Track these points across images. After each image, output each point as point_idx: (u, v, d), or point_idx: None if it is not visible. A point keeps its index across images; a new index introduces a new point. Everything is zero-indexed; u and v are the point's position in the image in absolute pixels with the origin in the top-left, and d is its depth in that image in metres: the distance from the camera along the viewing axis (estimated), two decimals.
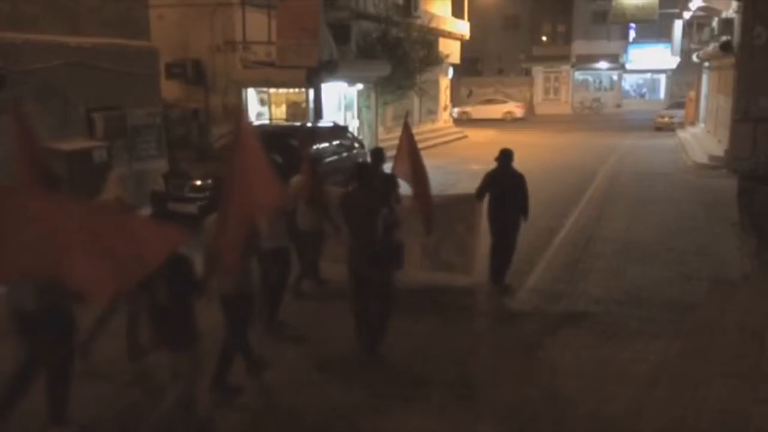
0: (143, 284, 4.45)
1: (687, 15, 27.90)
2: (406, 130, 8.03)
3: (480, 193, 8.27)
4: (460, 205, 8.41)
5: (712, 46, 22.73)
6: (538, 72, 48.14)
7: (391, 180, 7.85)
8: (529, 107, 47.50)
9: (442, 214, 7.89)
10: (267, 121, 16.94)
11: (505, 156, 8.25)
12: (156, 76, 14.34)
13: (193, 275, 4.82)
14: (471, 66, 45.76)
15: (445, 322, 7.49)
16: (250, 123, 5.74)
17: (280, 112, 17.86)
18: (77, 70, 12.14)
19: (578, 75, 48.57)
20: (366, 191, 6.42)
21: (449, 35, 29.89)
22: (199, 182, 11.01)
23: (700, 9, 23.94)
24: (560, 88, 48.61)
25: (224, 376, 5.75)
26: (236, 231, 5.00)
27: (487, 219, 8.32)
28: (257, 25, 16.42)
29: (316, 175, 7.85)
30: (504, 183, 8.21)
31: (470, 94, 47.60)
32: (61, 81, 11.95)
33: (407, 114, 9.09)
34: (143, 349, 6.04)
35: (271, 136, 13.14)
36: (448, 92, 32.20)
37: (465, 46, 33.23)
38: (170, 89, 16.13)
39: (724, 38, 19.97)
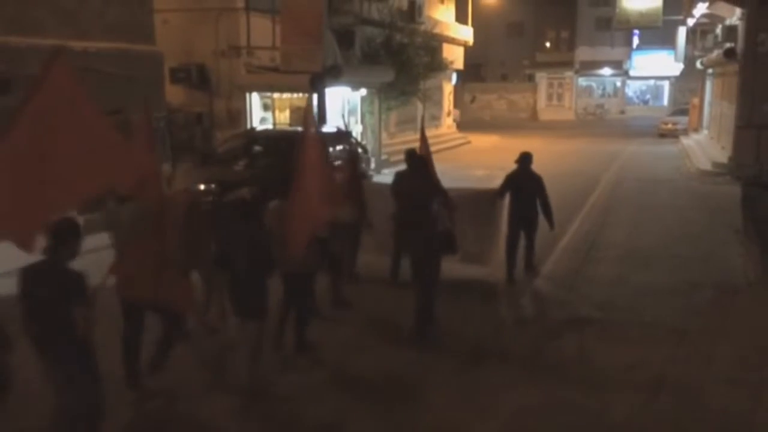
0: (226, 258, 5.30)
1: (691, 22, 27.96)
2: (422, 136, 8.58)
3: (501, 192, 8.77)
4: (481, 201, 8.78)
5: (716, 53, 22.73)
6: (542, 78, 48.20)
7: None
8: (533, 113, 47.53)
9: (464, 208, 8.13)
10: (271, 126, 16.95)
11: (525, 159, 8.93)
12: (160, 80, 14.38)
13: (270, 253, 5.44)
14: (475, 72, 45.83)
15: (446, 328, 7.47)
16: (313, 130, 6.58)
17: (284, 117, 17.87)
18: (82, 74, 12.13)
19: (582, 81, 48.60)
20: (420, 176, 7.16)
21: (453, 41, 29.92)
22: (202, 187, 11.02)
23: (704, 16, 23.97)
24: (564, 94, 48.65)
25: (304, 337, 6.55)
26: (303, 225, 5.61)
27: (508, 216, 8.85)
28: (261, 30, 16.46)
29: (356, 170, 8.37)
30: (523, 183, 8.79)
31: (474, 99, 47.65)
32: None
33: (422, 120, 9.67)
34: (155, 364, 5.80)
35: (275, 140, 13.20)
36: (451, 98, 32.21)
37: (469, 52, 33.27)
38: (174, 94, 16.18)
39: (727, 45, 19.98)
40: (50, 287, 4.29)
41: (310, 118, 6.82)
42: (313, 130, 6.52)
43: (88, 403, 4.53)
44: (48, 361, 4.42)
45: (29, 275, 4.33)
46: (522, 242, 9.11)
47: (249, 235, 5.49)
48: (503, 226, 8.83)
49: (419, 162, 7.71)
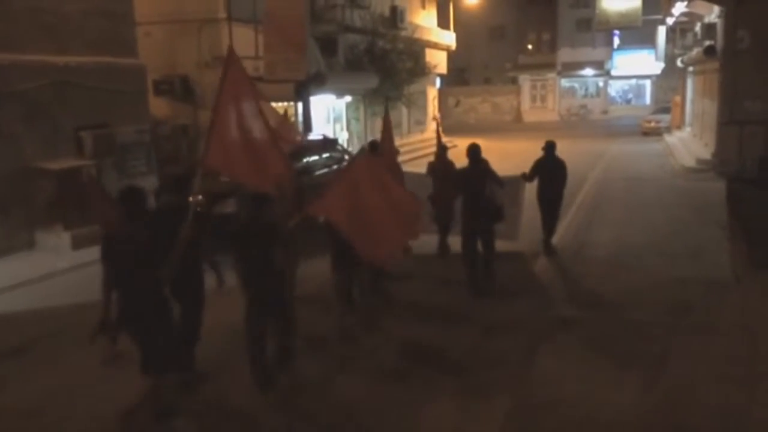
0: (261, 251, 5.74)
1: (670, 21, 28.22)
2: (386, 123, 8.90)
3: (531, 175, 10.09)
4: (507, 185, 9.45)
5: (696, 51, 22.96)
6: (525, 80, 48.46)
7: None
8: (517, 115, 47.77)
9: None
10: None
11: (550, 146, 10.23)
12: (144, 93, 14.34)
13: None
14: (458, 76, 46.06)
15: (438, 330, 7.48)
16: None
17: None
18: (65, 89, 12.12)
19: (564, 82, 48.90)
20: (477, 168, 8.59)
21: (436, 46, 30.05)
22: (189, 199, 10.96)
23: (683, 14, 24.23)
24: (547, 95, 48.93)
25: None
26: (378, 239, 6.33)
27: (537, 197, 10.34)
28: (244, 40, 16.42)
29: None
30: (550, 167, 10.13)
31: (458, 103, 47.83)
32: (48, 100, 11.91)
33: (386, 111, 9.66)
34: None
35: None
36: (436, 102, 32.34)
37: (452, 56, 33.43)
38: (159, 106, 16.11)
39: (707, 43, 20.19)
40: (260, 235, 5.75)
41: (388, 126, 8.44)
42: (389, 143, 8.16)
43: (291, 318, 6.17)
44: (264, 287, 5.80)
45: (243, 230, 5.89)
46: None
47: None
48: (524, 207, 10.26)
49: (478, 156, 8.67)
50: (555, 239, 11.13)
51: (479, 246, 8.62)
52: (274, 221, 5.92)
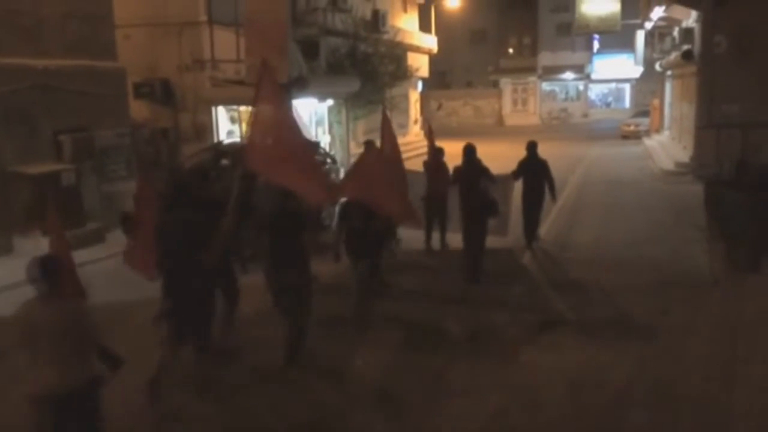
0: (289, 239, 6.37)
1: (649, 25, 28.55)
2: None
3: (516, 175, 10.77)
4: (499, 182, 10.07)
5: (674, 55, 23.22)
6: (506, 84, 48.71)
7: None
8: (499, 119, 47.98)
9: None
10: (238, 139, 16.82)
11: (532, 146, 10.87)
12: (124, 96, 14.21)
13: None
14: (440, 79, 46.15)
15: (418, 337, 7.49)
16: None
17: None
18: (43, 92, 11.97)
19: (545, 86, 49.23)
20: (472, 164, 9.36)
21: (417, 49, 30.11)
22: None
23: (661, 19, 24.51)
24: (528, 99, 49.22)
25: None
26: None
27: (521, 194, 10.87)
28: (225, 43, 16.35)
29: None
30: (532, 167, 10.73)
31: (440, 107, 47.95)
32: (27, 104, 11.77)
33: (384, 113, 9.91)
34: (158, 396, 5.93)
35: (243, 153, 13.10)
36: (418, 106, 32.39)
37: (433, 59, 33.52)
38: (139, 109, 15.97)
39: (685, 47, 20.43)
40: (288, 225, 6.43)
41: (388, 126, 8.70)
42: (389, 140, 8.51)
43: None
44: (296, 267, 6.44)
45: (273, 220, 6.53)
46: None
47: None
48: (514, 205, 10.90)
49: (473, 154, 9.44)
50: (536, 243, 11.25)
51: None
52: (300, 212, 6.60)
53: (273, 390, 6.23)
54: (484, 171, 9.42)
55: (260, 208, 7.11)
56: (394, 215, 7.75)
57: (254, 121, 6.25)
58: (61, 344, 4.13)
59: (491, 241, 9.77)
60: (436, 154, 10.95)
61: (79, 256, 9.86)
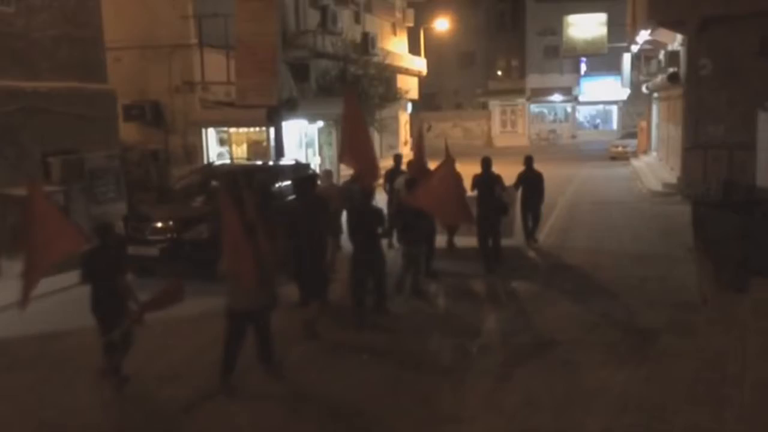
0: (369, 230, 8.50)
1: (635, 48, 28.84)
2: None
3: (516, 185, 12.62)
4: (507, 190, 11.76)
5: (660, 78, 23.50)
6: (495, 106, 49.05)
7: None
8: (488, 140, 48.24)
9: None
10: (228, 161, 16.83)
11: (529, 160, 12.96)
12: (114, 118, 14.20)
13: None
14: (429, 101, 46.42)
15: (408, 362, 7.46)
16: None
17: (241, 152, 17.78)
18: (33, 114, 11.95)
19: (534, 107, 49.62)
20: (488, 174, 11.14)
21: (407, 72, 30.36)
22: (160, 224, 10.83)
23: (647, 42, 24.79)
24: (517, 120, 49.56)
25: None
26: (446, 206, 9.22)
27: (520, 202, 12.68)
28: (216, 65, 16.44)
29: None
30: (530, 179, 12.74)
31: (429, 128, 48.17)
32: (16, 126, 11.74)
33: (428, 128, 10.96)
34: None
35: (233, 175, 13.09)
36: (407, 127, 32.56)
37: (423, 82, 33.79)
38: (129, 131, 15.97)
39: (671, 70, 20.67)
40: (369, 219, 8.54)
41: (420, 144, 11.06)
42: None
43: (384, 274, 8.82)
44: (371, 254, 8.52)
45: (358, 215, 8.67)
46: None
47: None
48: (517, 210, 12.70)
49: (489, 165, 11.22)
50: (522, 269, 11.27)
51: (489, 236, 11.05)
52: (378, 209, 8.80)
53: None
54: (497, 179, 11.16)
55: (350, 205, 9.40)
56: (448, 220, 10.16)
57: (345, 132, 9.84)
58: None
59: (504, 242, 11.55)
60: (421, 159, 11.15)
61: (65, 279, 9.85)
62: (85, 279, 6.79)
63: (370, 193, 8.77)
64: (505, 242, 11.60)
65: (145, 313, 6.49)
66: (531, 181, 12.73)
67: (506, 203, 11.37)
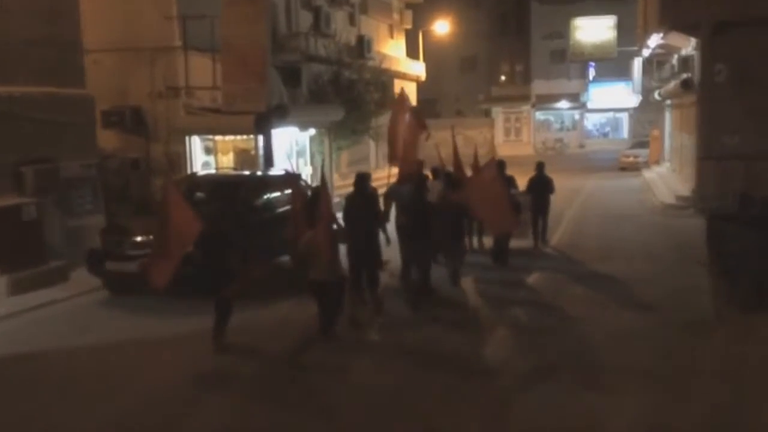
0: (421, 220, 10.25)
1: (646, 52, 29.04)
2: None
3: (528, 190, 14.33)
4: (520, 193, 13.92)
5: (673, 84, 23.63)
6: (498, 113, 49.26)
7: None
8: (491, 149, 48.39)
9: None
10: (214, 171, 16.83)
11: (540, 166, 14.81)
12: (91, 125, 14.19)
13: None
14: (429, 108, 46.56)
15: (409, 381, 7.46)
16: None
17: (227, 161, 17.77)
18: (5, 120, 11.93)
19: (539, 115, 49.87)
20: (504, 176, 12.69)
21: (404, 76, 30.44)
22: (140, 238, 10.81)
23: (658, 46, 24.96)
24: (521, 128, 49.77)
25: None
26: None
27: (530, 206, 13.96)
28: (201, 69, 16.46)
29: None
30: (540, 183, 14.45)
31: (428, 136, 48.28)
32: None
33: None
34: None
35: (219, 185, 13.10)
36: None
37: (422, 87, 33.89)
38: (107, 139, 15.94)
39: (684, 76, 20.79)
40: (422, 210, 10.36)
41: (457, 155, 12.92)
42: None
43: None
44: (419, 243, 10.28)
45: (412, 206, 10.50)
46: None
47: None
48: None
49: (504, 169, 12.96)
50: (531, 279, 11.28)
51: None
52: (430, 201, 10.57)
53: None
54: (511, 181, 13.17)
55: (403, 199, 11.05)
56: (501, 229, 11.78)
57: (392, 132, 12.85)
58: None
59: (516, 243, 13.20)
60: (418, 167, 12.69)
61: (39, 296, 9.82)
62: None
63: (422, 186, 10.85)
64: (517, 244, 13.21)
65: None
66: (541, 186, 14.36)
67: (519, 202, 12.86)
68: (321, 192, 9.02)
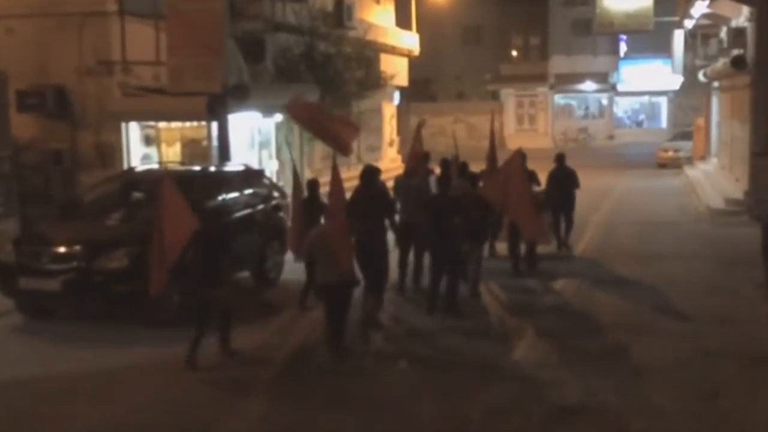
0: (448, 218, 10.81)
1: (689, 24, 29.25)
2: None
3: (547, 186, 14.89)
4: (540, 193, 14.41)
5: (722, 62, 23.79)
6: (509, 96, 49.37)
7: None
8: (500, 140, 48.56)
9: None
10: (156, 165, 16.75)
11: (560, 158, 15.59)
12: (3, 108, 14.11)
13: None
14: (423, 89, 46.65)
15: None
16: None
17: (173, 153, 17.71)
18: None
19: (559, 99, 50.05)
20: (525, 169, 13.23)
21: (393, 50, 30.48)
22: (63, 249, 10.72)
23: (704, 17, 25.13)
24: (537, 115, 49.84)
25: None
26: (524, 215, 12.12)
27: (551, 202, 14.65)
28: (141, 39, 16.38)
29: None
30: (561, 176, 15.19)
31: (423, 124, 48.29)
32: None
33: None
34: None
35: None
36: (394, 123, 32.66)
37: (415, 64, 33.93)
38: (24, 125, 15.84)
39: (735, 52, 20.92)
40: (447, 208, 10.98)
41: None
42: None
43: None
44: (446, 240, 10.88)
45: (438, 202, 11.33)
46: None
47: None
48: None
49: (525, 162, 12.89)
50: (549, 300, 11.30)
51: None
52: (456, 197, 11.14)
53: None
54: (533, 176, 13.83)
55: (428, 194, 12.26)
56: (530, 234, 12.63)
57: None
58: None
59: (539, 249, 13.88)
60: (422, 161, 13.74)
61: None
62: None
63: (448, 183, 11.55)
64: (542, 249, 14.09)
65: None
66: (562, 180, 15.03)
67: (541, 200, 13.55)
68: (332, 182, 9.57)
